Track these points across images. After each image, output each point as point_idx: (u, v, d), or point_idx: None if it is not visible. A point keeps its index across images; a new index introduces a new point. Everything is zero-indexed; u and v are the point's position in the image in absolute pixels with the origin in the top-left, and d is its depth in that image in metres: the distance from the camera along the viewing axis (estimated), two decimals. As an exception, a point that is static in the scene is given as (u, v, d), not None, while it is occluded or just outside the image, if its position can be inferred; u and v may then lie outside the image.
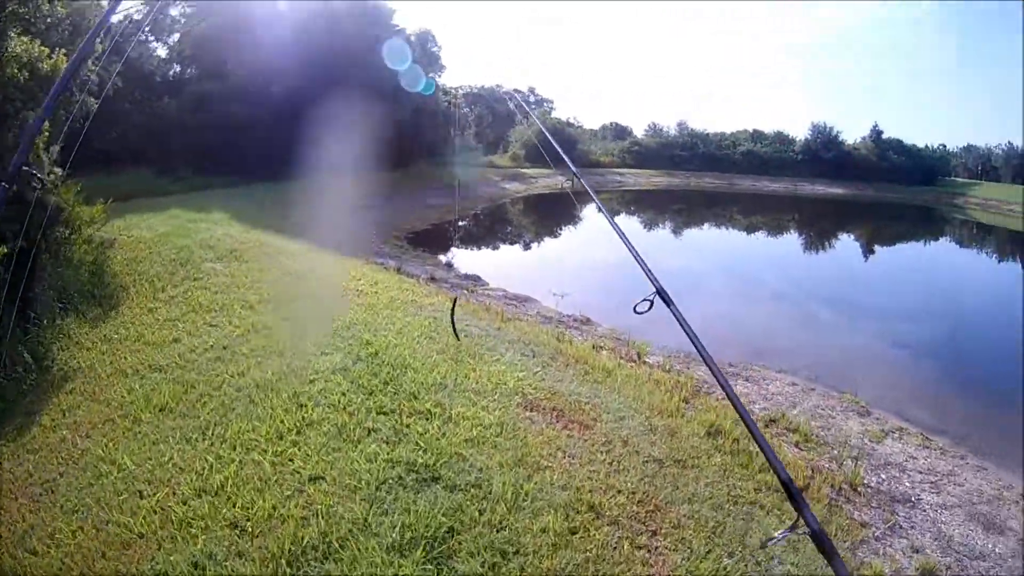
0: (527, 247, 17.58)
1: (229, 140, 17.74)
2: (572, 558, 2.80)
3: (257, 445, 3.49)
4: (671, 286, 2.11)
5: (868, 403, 5.85)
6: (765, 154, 47.81)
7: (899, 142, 48.51)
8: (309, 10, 19.41)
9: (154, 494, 3.08)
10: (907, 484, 4.31)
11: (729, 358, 6.81)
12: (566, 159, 3.17)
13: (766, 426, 4.96)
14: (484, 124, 40.16)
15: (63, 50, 6.35)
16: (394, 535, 2.80)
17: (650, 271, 2.18)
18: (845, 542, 3.41)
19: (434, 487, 3.19)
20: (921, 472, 4.51)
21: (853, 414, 5.55)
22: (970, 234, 28.12)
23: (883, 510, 3.90)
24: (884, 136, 48.89)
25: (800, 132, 49.92)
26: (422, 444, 3.54)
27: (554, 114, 46.54)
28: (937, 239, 25.62)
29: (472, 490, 3.19)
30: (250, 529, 2.83)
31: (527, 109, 5.27)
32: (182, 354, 4.83)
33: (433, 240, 15.18)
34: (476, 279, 10.73)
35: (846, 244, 22.19)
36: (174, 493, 3.09)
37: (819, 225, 26.95)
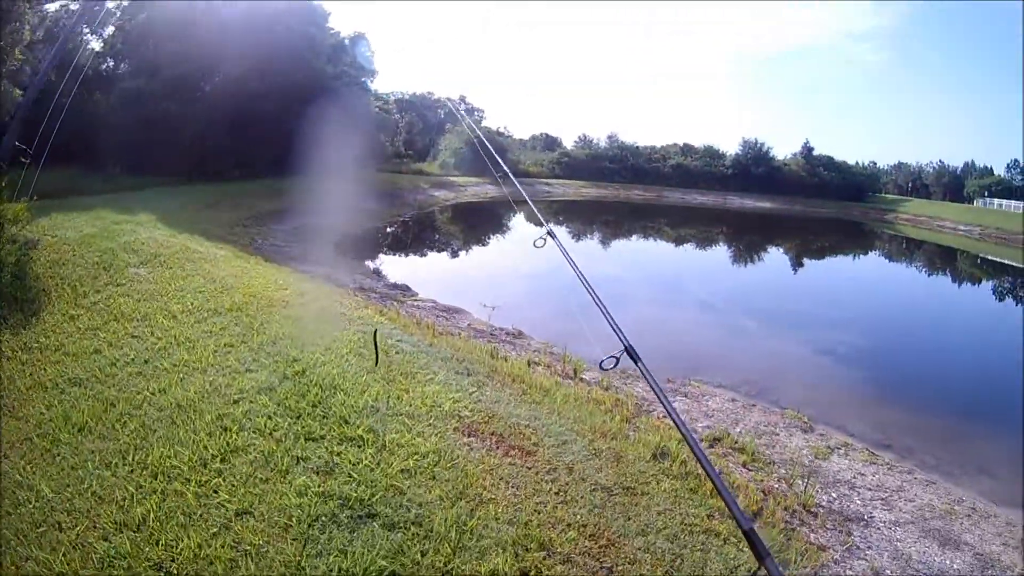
0: (455, 255, 17.62)
1: (161, 139, 16.97)
2: (523, 604, 2.56)
3: (180, 474, 3.15)
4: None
5: (811, 418, 5.87)
6: (695, 168, 49.33)
7: (830, 159, 51.08)
8: (246, 8, 18.81)
9: (74, 527, 2.75)
10: (858, 502, 4.29)
11: (666, 373, 6.73)
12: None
13: (711, 446, 4.86)
14: (414, 131, 39.93)
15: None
16: (329, 583, 2.48)
17: (618, 327, 2.08)
18: (806, 568, 3.32)
19: (371, 524, 2.89)
20: (871, 489, 4.51)
21: (797, 430, 5.56)
22: (899, 248, 29.83)
23: (839, 531, 3.85)
24: (815, 152, 51.44)
25: (731, 147, 51.88)
26: (355, 476, 3.22)
27: (485, 123, 46.84)
28: (867, 253, 27.00)
29: (412, 528, 2.90)
30: (175, 571, 2.53)
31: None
32: (102, 367, 4.39)
33: (362, 246, 14.83)
34: (406, 289, 10.41)
35: (775, 257, 22.96)
36: (94, 526, 2.76)
37: (748, 238, 27.94)
